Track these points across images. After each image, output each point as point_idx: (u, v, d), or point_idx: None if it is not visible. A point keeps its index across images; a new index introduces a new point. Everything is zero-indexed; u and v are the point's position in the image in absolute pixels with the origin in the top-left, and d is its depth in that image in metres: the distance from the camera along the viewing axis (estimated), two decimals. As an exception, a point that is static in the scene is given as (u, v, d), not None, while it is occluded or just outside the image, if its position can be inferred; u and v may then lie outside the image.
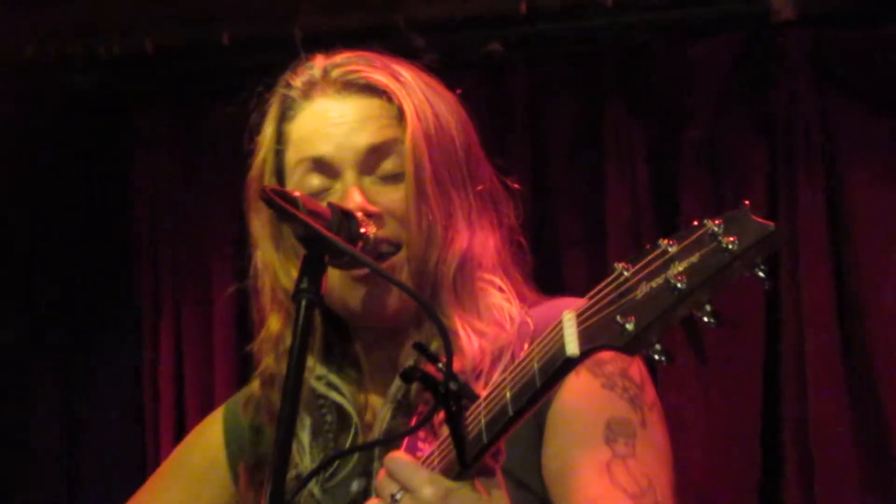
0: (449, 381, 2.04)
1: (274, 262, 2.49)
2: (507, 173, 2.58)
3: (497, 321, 2.44)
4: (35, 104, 4.94)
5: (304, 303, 2.13)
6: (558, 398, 2.34)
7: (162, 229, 4.97)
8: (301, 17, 4.55)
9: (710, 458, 4.39)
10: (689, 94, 4.51)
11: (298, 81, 2.52)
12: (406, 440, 2.30)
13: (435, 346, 2.33)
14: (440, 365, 2.06)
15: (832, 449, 4.25)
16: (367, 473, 2.44)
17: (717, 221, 1.75)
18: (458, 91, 2.56)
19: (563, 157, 4.63)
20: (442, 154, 2.45)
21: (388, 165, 2.45)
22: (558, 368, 1.90)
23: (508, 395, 1.97)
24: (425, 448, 2.24)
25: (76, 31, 4.79)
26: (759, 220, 1.74)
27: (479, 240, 2.47)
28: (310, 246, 2.18)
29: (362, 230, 2.33)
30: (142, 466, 4.85)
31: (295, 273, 2.25)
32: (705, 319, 1.76)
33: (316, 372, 2.50)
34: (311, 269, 2.16)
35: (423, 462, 2.11)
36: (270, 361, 2.52)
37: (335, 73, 2.49)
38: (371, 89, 2.48)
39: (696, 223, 1.77)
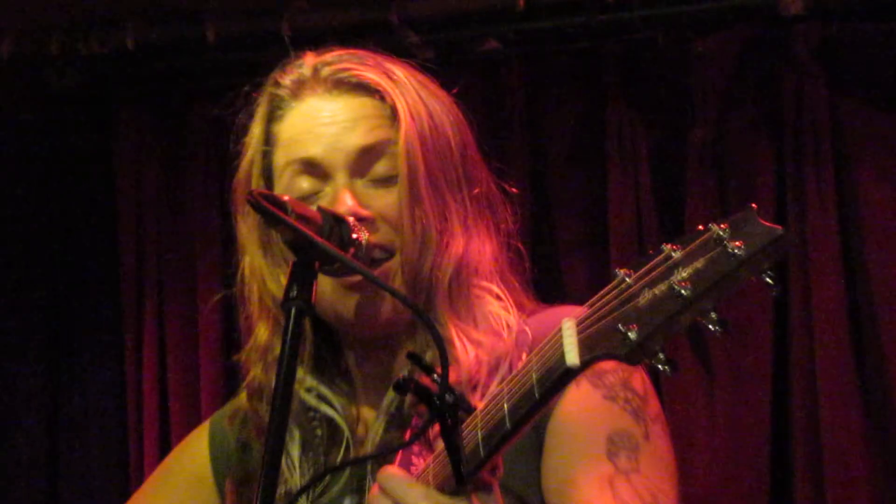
0: (444, 392, 2.04)
1: (262, 269, 2.49)
2: (505, 176, 2.58)
3: (494, 330, 2.44)
4: (11, 104, 4.94)
5: (293, 311, 2.13)
6: (558, 410, 2.34)
7: (145, 234, 4.97)
8: (290, 13, 4.56)
9: (717, 472, 4.39)
10: (694, 92, 4.51)
11: (287, 80, 2.52)
12: (400, 454, 2.30)
13: (429, 356, 2.34)
14: (435, 376, 2.06)
15: (844, 463, 4.25)
16: (359, 489, 2.44)
17: (722, 225, 1.75)
18: (454, 90, 2.56)
19: (562, 159, 4.64)
20: (437, 156, 2.45)
21: (380, 167, 2.45)
22: (557, 379, 1.90)
23: (506, 407, 1.97)
24: (420, 463, 2.24)
25: (54, 28, 4.79)
26: (767, 223, 1.74)
27: (476, 245, 2.47)
28: (299, 252, 2.18)
29: (354, 235, 2.33)
30: (125, 482, 4.85)
31: (284, 280, 2.25)
32: (711, 327, 1.76)
33: (306, 383, 2.50)
34: (301, 277, 2.16)
35: (418, 477, 2.11)
36: (258, 372, 2.52)
37: (326, 72, 2.49)
38: (363, 88, 2.48)
39: (701, 227, 1.77)
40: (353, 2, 4.56)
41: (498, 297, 2.49)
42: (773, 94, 4.46)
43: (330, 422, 2.49)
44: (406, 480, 2.09)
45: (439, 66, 2.60)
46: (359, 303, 2.42)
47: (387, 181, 2.44)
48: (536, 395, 1.93)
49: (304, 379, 2.50)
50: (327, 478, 2.46)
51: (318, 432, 2.49)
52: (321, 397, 2.50)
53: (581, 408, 2.35)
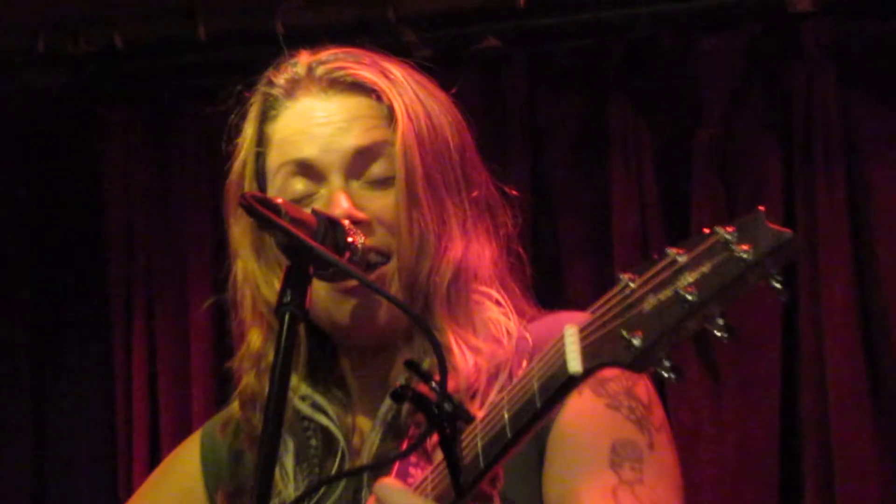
0: (443, 401, 2.04)
1: (255, 273, 2.49)
2: (505, 178, 2.59)
3: (493, 337, 2.44)
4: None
5: (287, 317, 2.13)
6: (559, 420, 2.34)
7: (134, 238, 4.97)
8: (284, 10, 4.56)
9: (725, 483, 4.39)
10: (700, 92, 4.52)
11: (281, 79, 2.52)
12: (397, 465, 2.30)
13: (427, 363, 2.33)
14: (433, 384, 2.06)
15: (857, 474, 4.25)
16: (355, 501, 2.44)
17: (729, 229, 1.75)
18: (453, 90, 2.56)
19: (564, 161, 4.64)
20: (435, 157, 2.45)
21: (376, 169, 2.45)
22: (560, 387, 1.90)
23: (506, 416, 1.97)
24: (417, 474, 2.24)
25: (39, 26, 4.79)
26: (775, 226, 1.74)
27: (475, 249, 2.47)
28: (293, 256, 2.18)
29: (349, 239, 2.33)
30: (114, 494, 4.85)
31: (277, 285, 2.25)
32: (718, 334, 1.76)
33: (300, 392, 2.50)
34: (295, 281, 2.16)
35: (416, 489, 2.11)
36: (251, 380, 2.52)
37: (320, 71, 2.50)
38: (359, 88, 2.48)
39: (707, 231, 1.77)
40: (349, -2, 4.58)
41: (498, 303, 2.49)
42: (782, 93, 4.47)
43: (325, 431, 2.49)
44: (403, 492, 2.08)
45: (437, 65, 2.60)
46: (354, 308, 2.42)
47: (383, 183, 2.44)
48: (538, 403, 1.93)
49: (299, 387, 2.50)
50: (322, 489, 2.45)
51: (313, 442, 2.49)
52: (316, 406, 2.50)
53: (583, 417, 2.35)
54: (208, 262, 4.71)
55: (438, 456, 2.07)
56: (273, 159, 2.50)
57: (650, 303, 1.78)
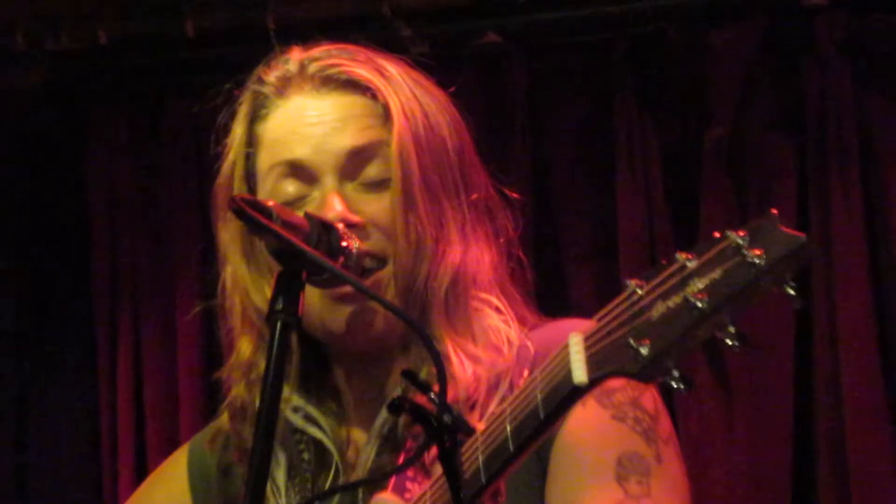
0: (443, 413, 2.03)
1: (245, 279, 2.49)
2: (505, 180, 2.59)
3: (493, 345, 2.44)
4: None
5: (279, 325, 2.13)
6: (563, 432, 2.34)
7: (120, 241, 4.98)
8: (275, 5, 4.56)
9: (735, 497, 4.39)
10: (709, 89, 4.52)
11: (272, 77, 2.52)
12: (393, 480, 2.30)
13: (424, 372, 2.34)
14: (432, 395, 2.06)
15: (873, 486, 4.25)
16: (350, 517, 2.44)
17: (741, 233, 1.75)
18: (451, 88, 2.56)
19: (567, 162, 4.64)
20: (432, 158, 2.45)
21: (371, 170, 2.45)
22: (564, 398, 1.90)
23: (509, 428, 1.97)
24: (415, 489, 2.24)
25: (18, 21, 4.79)
26: (789, 230, 1.74)
27: (474, 254, 2.47)
28: (285, 261, 2.18)
29: (344, 243, 2.33)
30: (99, 506, 4.85)
31: (268, 291, 2.25)
32: (729, 342, 1.76)
33: (292, 403, 2.50)
34: (287, 288, 2.16)
35: (413, 504, 2.12)
36: (241, 391, 2.52)
37: (313, 68, 2.50)
38: (353, 85, 2.48)
39: (717, 235, 1.77)
40: (343, -8, 4.57)
41: (498, 310, 2.49)
42: (795, 91, 4.47)
43: (318, 444, 2.49)
44: (400, 508, 2.09)
45: (435, 62, 2.60)
46: (349, 316, 2.42)
47: (379, 185, 2.44)
48: (542, 415, 1.93)
49: (291, 398, 2.49)
50: (315, 505, 2.46)
51: (305, 456, 2.49)
52: (308, 418, 2.50)
53: (588, 429, 2.35)
54: (197, 267, 4.70)
55: (437, 470, 2.07)
56: (263, 160, 2.50)
57: (658, 310, 1.78)
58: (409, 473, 2.28)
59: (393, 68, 2.50)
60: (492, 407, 2.30)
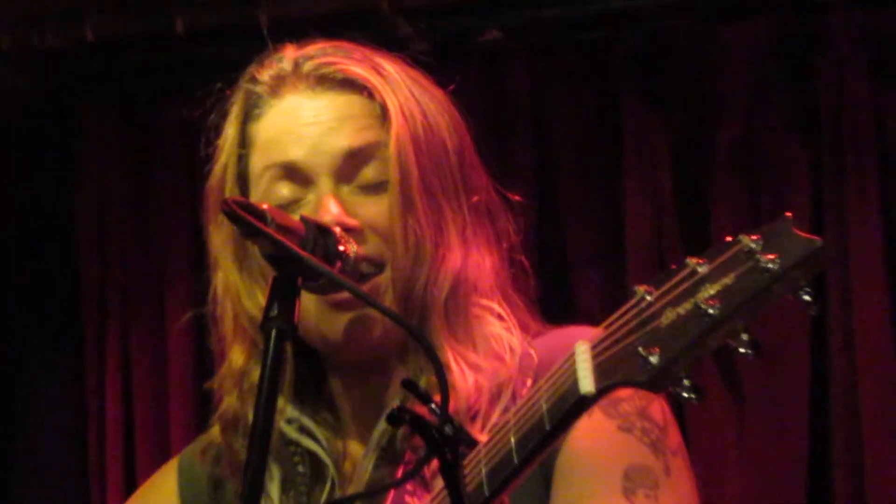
0: (444, 424, 2.03)
1: (237, 285, 2.49)
2: (508, 182, 2.58)
3: (495, 353, 2.44)
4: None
5: (273, 333, 2.12)
6: (568, 443, 2.34)
7: (109, 245, 4.98)
8: (268, 2, 4.56)
9: (748, 512, 4.39)
10: (720, 87, 4.51)
11: (265, 75, 2.52)
12: (392, 494, 2.29)
13: (423, 382, 2.33)
14: (433, 405, 2.06)
15: (892, 499, 4.25)
16: (347, 533, 2.44)
17: (754, 237, 1.75)
18: (451, 87, 2.56)
19: (572, 163, 4.64)
20: (431, 160, 2.45)
21: (369, 172, 2.45)
22: (570, 409, 1.89)
23: (513, 440, 1.96)
24: (414, 503, 2.23)
25: (6, 20, 4.79)
26: (803, 234, 1.74)
27: (475, 259, 2.47)
28: (280, 267, 2.18)
29: (341, 247, 2.33)
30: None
31: (262, 298, 2.25)
32: (741, 350, 1.76)
33: (286, 414, 2.50)
34: (282, 294, 2.15)
35: (413, 519, 2.11)
36: (233, 401, 2.51)
37: (308, 66, 2.49)
38: (349, 84, 2.48)
39: (729, 239, 1.77)
40: (339, -12, 4.57)
41: (499, 317, 2.48)
42: (809, 89, 4.46)
43: (313, 457, 2.49)
44: (400, 523, 2.08)
45: (435, 60, 2.60)
46: (346, 323, 2.42)
47: (376, 187, 2.44)
48: (547, 426, 1.92)
49: (285, 409, 2.49)
50: (310, 520, 2.45)
51: (300, 469, 2.49)
52: (303, 429, 2.50)
53: (594, 440, 2.35)
54: (188, 272, 4.70)
55: (438, 484, 2.06)
56: (257, 162, 2.50)
57: (668, 317, 1.78)
58: (409, 487, 2.27)
59: (391, 67, 2.50)
60: (494, 417, 2.30)
